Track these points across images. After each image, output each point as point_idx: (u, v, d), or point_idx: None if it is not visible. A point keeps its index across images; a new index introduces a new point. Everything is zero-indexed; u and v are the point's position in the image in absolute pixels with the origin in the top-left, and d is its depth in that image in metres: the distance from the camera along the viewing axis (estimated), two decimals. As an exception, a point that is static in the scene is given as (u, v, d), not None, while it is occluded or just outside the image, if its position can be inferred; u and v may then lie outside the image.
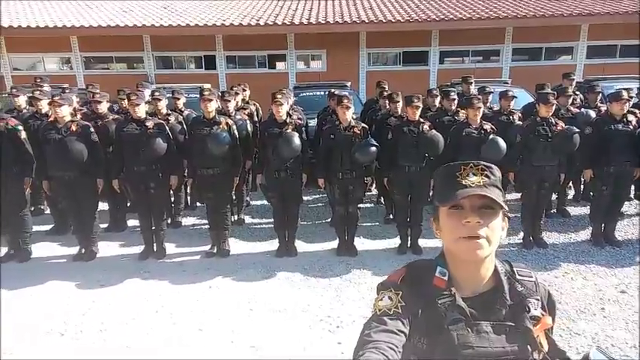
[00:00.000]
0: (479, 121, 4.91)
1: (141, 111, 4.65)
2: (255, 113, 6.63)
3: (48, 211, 6.02)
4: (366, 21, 12.22)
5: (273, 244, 5.07)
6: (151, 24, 12.31)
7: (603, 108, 5.68)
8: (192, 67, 14.07)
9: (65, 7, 14.20)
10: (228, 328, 3.55)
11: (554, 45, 13.39)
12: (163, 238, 4.99)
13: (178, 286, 4.29)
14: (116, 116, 5.67)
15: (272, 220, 5.02)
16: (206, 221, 5.17)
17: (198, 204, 6.42)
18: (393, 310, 1.08)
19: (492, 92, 6.44)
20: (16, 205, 4.76)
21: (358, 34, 13.11)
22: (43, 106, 5.26)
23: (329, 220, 5.86)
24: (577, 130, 4.72)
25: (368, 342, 1.01)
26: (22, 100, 5.73)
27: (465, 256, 1.07)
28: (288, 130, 4.60)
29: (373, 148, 4.54)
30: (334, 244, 5.07)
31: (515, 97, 5.93)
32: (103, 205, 5.40)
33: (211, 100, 4.70)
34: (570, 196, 6.55)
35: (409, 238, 4.94)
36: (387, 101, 5.61)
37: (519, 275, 1.15)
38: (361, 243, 5.15)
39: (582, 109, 5.85)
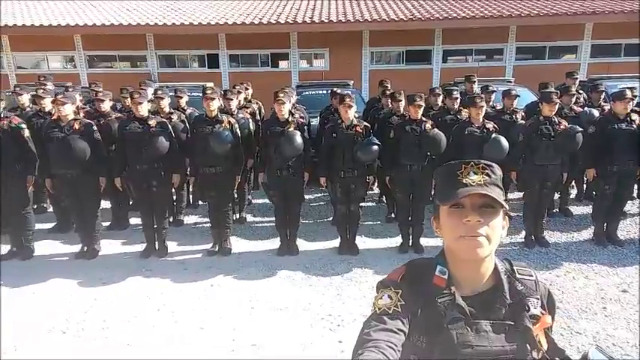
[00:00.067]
0: (481, 120, 4.90)
1: (143, 109, 4.66)
2: (257, 112, 6.63)
3: (50, 209, 6.05)
4: (369, 20, 12.20)
5: (275, 243, 5.08)
6: (154, 23, 12.33)
7: (607, 107, 5.65)
8: (195, 65, 14.08)
9: (69, 5, 14.23)
10: (230, 327, 3.56)
11: (558, 44, 13.32)
12: (165, 236, 5.00)
13: (180, 285, 4.31)
14: (119, 115, 5.68)
15: (274, 218, 5.02)
16: (208, 220, 5.19)
17: (200, 202, 6.43)
18: (393, 308, 1.08)
19: (495, 91, 6.43)
20: (19, 203, 4.78)
21: (361, 32, 13.08)
22: (47, 104, 5.27)
23: (330, 218, 5.85)
24: (580, 129, 4.71)
25: (367, 341, 1.01)
26: (25, 99, 5.76)
27: (465, 255, 1.07)
28: (290, 129, 4.60)
29: (375, 147, 4.54)
30: (336, 242, 5.07)
31: (519, 96, 5.90)
32: (105, 204, 5.42)
33: (214, 98, 4.71)
34: (573, 196, 6.53)
35: (411, 237, 4.94)
36: (389, 100, 5.60)
37: (519, 274, 1.15)
38: (363, 242, 5.15)
39: (586, 108, 5.82)
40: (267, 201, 5.86)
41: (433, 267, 1.13)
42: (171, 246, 5.12)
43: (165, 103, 5.54)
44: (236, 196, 5.53)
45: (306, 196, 5.63)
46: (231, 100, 5.56)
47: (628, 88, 4.93)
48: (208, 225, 5.16)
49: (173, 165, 4.87)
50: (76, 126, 4.61)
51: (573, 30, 12.78)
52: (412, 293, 1.10)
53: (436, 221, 1.15)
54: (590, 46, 13.19)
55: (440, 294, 1.08)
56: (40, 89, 5.53)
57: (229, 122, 4.76)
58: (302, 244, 5.11)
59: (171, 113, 5.55)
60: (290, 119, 4.75)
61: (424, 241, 4.94)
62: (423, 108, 4.77)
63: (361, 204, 5.00)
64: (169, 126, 4.87)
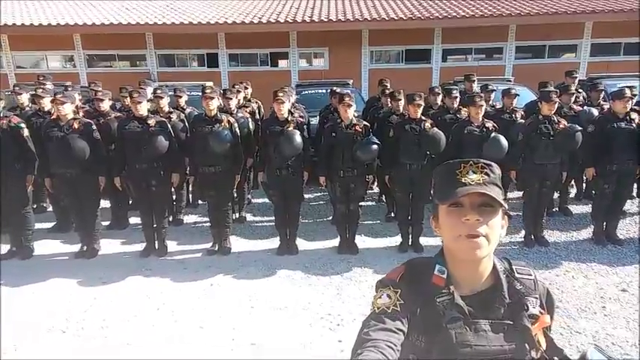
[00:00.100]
0: (481, 119, 4.90)
1: (143, 109, 4.66)
2: (257, 111, 6.63)
3: (50, 209, 6.05)
4: (369, 19, 12.19)
5: (275, 242, 5.08)
6: (154, 22, 12.32)
7: (606, 106, 5.65)
8: (194, 65, 14.08)
9: (68, 5, 14.22)
10: (229, 326, 3.56)
11: (558, 43, 13.32)
12: (165, 235, 5.00)
13: (180, 284, 4.31)
14: (118, 114, 5.68)
15: (273, 218, 5.02)
16: (207, 219, 5.19)
17: (199, 202, 6.44)
18: (392, 308, 1.08)
19: (495, 90, 6.43)
20: (19, 202, 4.78)
21: (361, 31, 13.08)
22: (46, 103, 5.27)
23: (330, 218, 5.86)
24: (579, 128, 4.71)
25: (367, 340, 1.01)
26: (24, 98, 5.75)
27: (463, 255, 1.07)
28: (289, 128, 4.60)
29: (375, 146, 4.54)
30: (335, 242, 5.07)
31: (518, 95, 5.90)
32: (105, 203, 5.42)
33: (213, 97, 4.70)
34: (572, 195, 6.53)
35: (410, 236, 4.94)
36: (388, 99, 5.60)
37: (518, 273, 1.14)
38: (362, 241, 5.15)
39: (585, 107, 5.83)
40: (266, 200, 5.86)
41: (432, 266, 1.13)
42: (171, 245, 5.12)
43: (165, 103, 5.54)
44: (235, 195, 5.53)
45: (306, 196, 5.63)
46: (231, 99, 5.56)
47: (627, 87, 4.93)
48: (208, 224, 5.16)
49: (172, 164, 4.86)
50: (76, 125, 4.61)
51: (573, 29, 12.77)
52: (411, 293, 1.10)
53: (435, 220, 1.15)
54: (590, 45, 13.18)
55: (439, 293, 1.08)
56: (39, 89, 5.53)
57: (229, 121, 4.76)
58: (301, 244, 5.11)
59: (171, 112, 5.55)
60: (289, 118, 4.75)
61: (424, 241, 4.94)
62: (422, 107, 4.77)
63: (361, 203, 5.00)
64: (169, 125, 4.87)
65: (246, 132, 5.26)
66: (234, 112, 5.48)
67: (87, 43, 13.39)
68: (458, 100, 5.74)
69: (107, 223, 5.62)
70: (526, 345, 1.06)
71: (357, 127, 4.63)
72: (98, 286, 4.27)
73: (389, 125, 5.02)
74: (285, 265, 4.64)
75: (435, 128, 4.67)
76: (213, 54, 13.60)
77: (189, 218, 6.10)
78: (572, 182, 6.47)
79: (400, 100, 5.21)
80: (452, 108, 5.73)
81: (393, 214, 5.78)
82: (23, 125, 4.75)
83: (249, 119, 5.58)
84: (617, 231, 5.11)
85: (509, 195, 6.27)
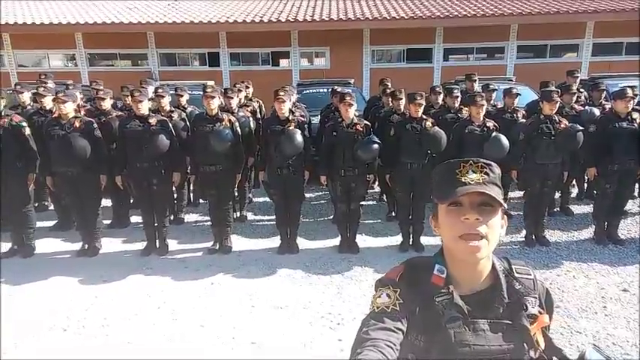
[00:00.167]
0: (482, 118, 4.89)
1: (144, 108, 4.67)
2: (258, 110, 6.63)
3: (52, 207, 6.06)
4: (370, 18, 12.18)
5: (275, 241, 5.08)
6: (155, 21, 12.34)
7: (608, 106, 5.64)
8: (196, 64, 14.09)
9: (70, 4, 14.24)
10: (230, 325, 3.57)
11: (560, 42, 13.29)
12: (166, 234, 5.01)
13: (180, 283, 4.31)
14: (119, 113, 5.69)
15: (274, 217, 5.03)
16: (208, 218, 5.20)
17: (200, 201, 6.44)
18: (391, 307, 1.08)
19: (496, 90, 6.41)
20: (20, 201, 4.79)
21: (362, 31, 13.07)
22: (47, 102, 5.27)
23: (331, 217, 5.86)
24: (580, 127, 4.70)
25: (366, 340, 1.01)
26: (26, 97, 5.76)
27: (463, 255, 1.07)
28: (290, 128, 4.60)
29: (375, 146, 4.53)
30: (336, 241, 5.07)
31: (519, 95, 5.89)
32: (106, 202, 5.43)
33: (214, 97, 4.71)
34: (574, 195, 6.53)
35: (411, 236, 4.94)
36: (390, 98, 5.60)
37: (517, 273, 1.14)
38: (363, 240, 5.15)
39: (586, 107, 5.81)
40: (267, 199, 5.86)
41: (431, 266, 1.13)
42: (172, 244, 5.13)
43: (166, 102, 5.54)
44: (236, 194, 5.54)
45: (307, 195, 5.62)
46: (232, 98, 5.56)
47: (629, 86, 4.92)
48: (209, 223, 5.17)
49: (173, 163, 4.87)
50: (77, 124, 4.62)
51: (574, 28, 12.75)
52: (410, 292, 1.10)
53: (434, 220, 1.15)
54: (592, 44, 13.16)
55: (438, 293, 1.08)
56: (40, 87, 5.53)
57: (230, 120, 4.77)
58: (302, 243, 5.11)
59: (172, 111, 5.55)
60: (290, 118, 4.75)
61: (424, 240, 4.94)
62: (423, 106, 4.76)
63: (361, 202, 5.00)
64: (170, 124, 4.87)
65: (247, 131, 5.26)
66: (236, 111, 5.49)
67: (88, 41, 13.41)
68: (459, 99, 5.74)
69: (108, 221, 5.63)
70: (525, 345, 1.06)
71: (358, 127, 4.63)
72: (99, 285, 4.28)
73: (390, 125, 5.01)
74: (285, 264, 4.64)
75: (436, 127, 4.67)
76: (214, 53, 13.61)
77: (190, 217, 6.11)
78: (574, 182, 6.46)
79: (401, 99, 5.21)
80: (453, 107, 5.72)
81: (393, 214, 5.78)
82: (25, 124, 4.76)
83: (250, 118, 5.58)
84: (619, 231, 5.10)
85: (511, 195, 6.26)
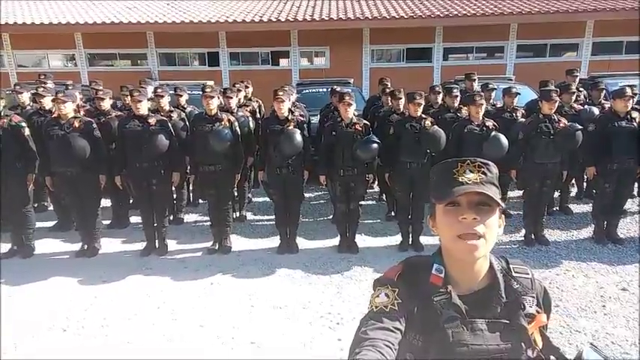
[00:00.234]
0: (481, 117, 4.89)
1: (143, 108, 4.67)
2: (257, 110, 6.63)
3: (51, 208, 6.06)
4: (370, 17, 12.18)
5: (275, 241, 5.08)
6: (155, 21, 12.33)
7: (607, 105, 5.64)
8: (195, 64, 14.09)
9: (69, 4, 14.23)
10: (229, 325, 3.57)
11: (559, 41, 13.29)
12: (165, 234, 5.01)
13: (180, 283, 4.31)
14: (119, 113, 5.69)
15: (273, 216, 5.03)
16: (208, 218, 5.20)
17: (200, 201, 6.44)
18: (390, 307, 1.08)
19: (496, 89, 6.41)
20: (20, 201, 4.79)
21: (362, 30, 13.07)
22: (47, 102, 5.28)
23: (330, 217, 5.86)
24: (579, 127, 4.70)
25: (365, 339, 1.01)
26: (25, 97, 5.76)
27: (461, 255, 1.07)
28: (289, 127, 4.60)
29: (375, 145, 4.53)
30: (335, 241, 5.07)
31: (519, 94, 5.89)
32: (105, 202, 5.43)
33: (213, 96, 4.71)
34: (573, 194, 6.53)
35: (410, 236, 4.94)
36: (389, 98, 5.60)
37: (515, 272, 1.14)
38: (362, 240, 5.15)
39: (586, 106, 5.81)
40: (267, 199, 5.86)
41: (430, 265, 1.13)
42: (171, 244, 5.13)
43: (166, 102, 5.54)
44: (236, 194, 5.54)
45: (306, 195, 5.63)
46: (231, 98, 5.56)
47: (628, 85, 4.92)
48: (208, 223, 5.17)
49: (173, 163, 4.87)
50: (76, 124, 4.62)
51: (574, 27, 12.75)
52: (409, 292, 1.10)
53: (432, 219, 1.15)
54: (591, 43, 13.15)
55: (436, 293, 1.08)
56: (40, 87, 5.54)
57: (229, 120, 4.77)
58: (302, 243, 5.11)
59: (171, 111, 5.55)
60: (290, 117, 4.75)
61: (424, 240, 4.94)
62: (422, 106, 4.77)
63: (361, 202, 5.00)
64: (169, 124, 4.87)
65: (246, 131, 5.26)
66: (235, 111, 5.49)
67: (88, 42, 13.40)
68: (458, 98, 5.74)
69: (108, 222, 5.63)
70: (522, 344, 1.06)
71: (358, 126, 4.63)
72: (99, 285, 4.28)
73: (389, 124, 5.01)
74: (285, 264, 4.65)
75: (436, 127, 4.67)
76: (214, 53, 13.61)
77: (189, 217, 6.11)
78: (573, 181, 6.46)
79: (401, 98, 5.21)
80: (452, 107, 5.72)
81: (393, 214, 5.78)
82: (24, 124, 4.76)
83: (250, 118, 5.58)
84: (618, 230, 5.10)
85: (510, 194, 6.26)
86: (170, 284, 4.30)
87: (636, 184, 5.40)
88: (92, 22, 12.27)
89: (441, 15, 12.12)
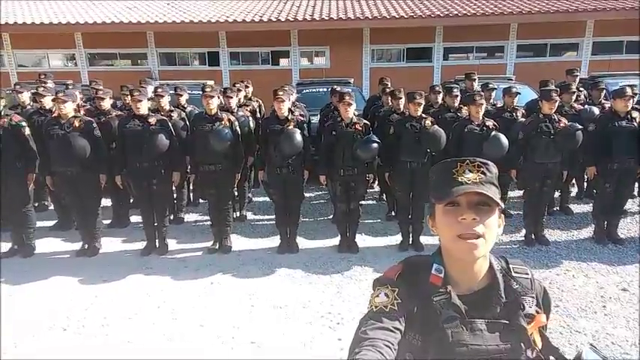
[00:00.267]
0: (481, 117, 4.89)
1: (143, 107, 4.67)
2: (257, 110, 6.64)
3: (52, 207, 6.06)
4: (370, 17, 12.18)
5: (275, 241, 5.08)
6: (155, 20, 12.34)
7: (607, 105, 5.64)
8: (195, 63, 14.09)
9: (70, 3, 14.24)
10: (230, 324, 3.57)
11: (559, 41, 13.28)
12: (166, 234, 5.01)
13: (180, 282, 4.32)
14: (119, 112, 5.69)
15: (274, 216, 5.03)
16: (208, 217, 5.20)
17: (200, 200, 6.45)
18: (390, 307, 1.08)
19: (496, 89, 6.41)
20: (20, 200, 4.79)
21: (362, 30, 13.07)
22: (47, 102, 5.28)
23: (330, 216, 5.86)
24: (580, 126, 4.70)
25: (364, 339, 1.01)
26: (25, 97, 5.76)
27: (461, 254, 1.07)
28: (289, 127, 4.60)
29: (375, 145, 4.53)
30: (336, 240, 5.07)
31: (519, 94, 5.89)
32: (106, 201, 5.43)
33: (213, 96, 4.71)
34: (573, 194, 6.52)
35: (411, 235, 4.94)
36: (389, 98, 5.60)
37: (515, 272, 1.14)
38: (363, 240, 5.16)
39: (586, 106, 5.81)
40: (267, 199, 5.86)
41: (430, 265, 1.13)
42: (172, 244, 5.13)
43: (166, 101, 5.54)
44: (236, 194, 5.54)
45: (306, 194, 5.63)
46: (231, 97, 5.57)
47: (628, 85, 4.92)
48: (208, 223, 5.17)
49: (173, 163, 4.87)
50: (77, 123, 4.62)
51: (574, 27, 12.74)
52: (409, 291, 1.10)
53: (432, 219, 1.15)
54: (592, 43, 13.15)
55: (436, 292, 1.08)
56: (40, 87, 5.54)
57: (229, 120, 4.77)
58: (302, 242, 5.12)
59: (172, 111, 5.55)
60: (290, 117, 4.75)
61: (424, 239, 4.94)
62: (422, 105, 4.76)
63: (361, 202, 5.00)
64: (169, 124, 4.87)
65: (246, 130, 5.25)
66: (235, 110, 5.49)
67: (88, 41, 13.41)
68: (458, 98, 5.73)
69: (108, 221, 5.64)
70: (522, 344, 1.06)
71: (358, 126, 4.63)
72: (99, 284, 4.28)
73: (389, 124, 5.01)
74: (285, 263, 4.65)
75: (436, 126, 4.67)
76: (214, 52, 13.61)
77: (189, 217, 6.11)
78: (573, 181, 6.46)
79: (401, 98, 5.21)
80: (452, 106, 5.71)
81: (393, 213, 5.78)
82: (24, 124, 4.76)
83: (250, 118, 5.58)
84: (618, 230, 5.10)
85: (510, 194, 6.26)
86: (170, 284, 4.30)
87: (637, 184, 5.40)
88: (92, 21, 12.28)
89: (441, 15, 12.12)
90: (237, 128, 4.84)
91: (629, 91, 4.71)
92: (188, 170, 5.27)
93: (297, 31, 13.10)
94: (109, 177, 4.89)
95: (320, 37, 12.93)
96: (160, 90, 5.65)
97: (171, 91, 6.11)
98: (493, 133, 4.72)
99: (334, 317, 3.66)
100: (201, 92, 4.92)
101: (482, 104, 4.87)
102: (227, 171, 4.80)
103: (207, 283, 4.30)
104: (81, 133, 4.59)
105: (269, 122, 4.84)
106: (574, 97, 5.82)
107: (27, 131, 4.74)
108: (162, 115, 5.09)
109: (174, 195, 5.76)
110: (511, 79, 8.81)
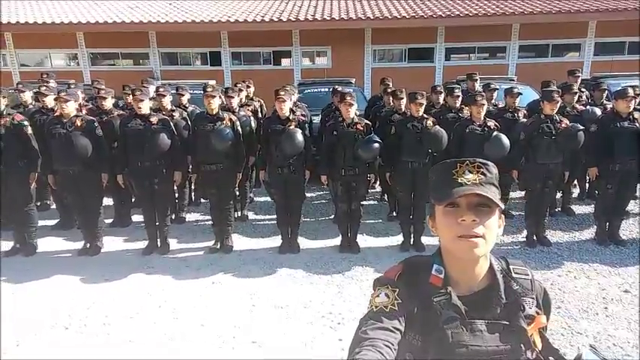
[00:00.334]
0: (483, 118, 4.89)
1: (145, 107, 4.68)
2: (259, 110, 6.64)
3: (54, 206, 6.07)
4: (372, 17, 12.17)
5: (276, 241, 5.09)
6: (157, 20, 12.35)
7: (609, 105, 5.63)
8: (197, 63, 14.09)
9: (72, 3, 14.25)
10: (231, 324, 3.57)
11: (561, 42, 13.26)
12: (167, 233, 5.02)
13: (181, 282, 4.32)
14: (121, 112, 5.70)
15: (275, 216, 5.04)
16: (209, 217, 5.21)
17: (201, 200, 6.45)
18: (390, 307, 1.08)
19: (497, 89, 6.40)
20: (22, 199, 4.81)
21: (363, 30, 13.06)
22: (49, 101, 5.29)
23: (332, 216, 5.86)
24: (581, 127, 4.69)
25: (364, 339, 1.01)
26: (27, 96, 5.79)
27: (461, 254, 1.07)
28: (291, 127, 4.61)
29: (376, 145, 4.53)
30: (337, 240, 5.07)
31: (521, 94, 5.88)
32: (107, 201, 5.44)
33: (214, 96, 4.72)
34: (575, 195, 6.51)
35: (412, 236, 4.94)
36: (391, 98, 5.60)
37: (515, 273, 1.14)
38: (364, 240, 5.16)
39: (588, 107, 5.80)
40: (268, 199, 5.87)
41: (430, 265, 1.13)
42: (173, 243, 5.14)
43: (167, 101, 5.55)
44: (237, 193, 5.54)
45: (308, 194, 5.64)
46: (233, 97, 5.57)
47: (630, 86, 4.92)
48: (210, 222, 5.18)
49: (175, 162, 4.88)
50: (78, 123, 4.64)
51: (576, 28, 12.72)
52: (409, 292, 1.10)
53: (432, 220, 1.15)
54: (594, 44, 13.12)
55: (436, 293, 1.08)
56: (42, 86, 5.55)
57: (230, 120, 4.77)
58: (303, 242, 5.12)
59: (173, 111, 5.55)
60: (291, 117, 4.75)
61: (425, 240, 4.94)
62: (424, 106, 4.76)
63: (362, 202, 5.00)
64: (171, 123, 4.88)
65: (248, 130, 5.26)
66: (236, 110, 5.49)
67: (90, 41, 13.43)
68: (460, 98, 5.73)
69: (110, 220, 5.65)
70: (522, 345, 1.06)
71: (359, 126, 4.64)
72: (101, 284, 4.29)
73: (391, 124, 5.01)
74: (286, 263, 4.65)
75: (437, 126, 4.67)
76: (216, 52, 13.61)
77: (191, 216, 6.12)
78: (575, 182, 6.44)
79: (402, 98, 5.21)
80: (454, 107, 5.71)
81: (395, 214, 5.78)
82: (26, 123, 4.78)
83: (251, 118, 5.59)
84: (620, 231, 5.09)
85: (512, 195, 6.25)
86: (172, 283, 4.31)
87: (639, 185, 5.39)
88: (94, 21, 12.30)
89: (443, 15, 12.10)
90: (239, 128, 4.84)
91: (631, 91, 4.70)
92: (189, 170, 5.27)
93: (298, 31, 13.10)
94: (110, 176, 4.90)
95: (322, 37, 12.93)
96: (161, 90, 5.65)
97: (173, 91, 6.12)
98: (494, 133, 4.72)
99: (335, 317, 3.66)
100: (202, 92, 4.93)
101: (483, 105, 4.86)
102: (228, 171, 4.80)
103: (208, 282, 4.31)
104: (83, 133, 4.60)
105: (270, 122, 4.84)
106: (576, 98, 5.82)
107: (29, 130, 4.75)
108: (163, 114, 5.10)
109: (176, 194, 5.77)
110: (513, 80, 8.79)
